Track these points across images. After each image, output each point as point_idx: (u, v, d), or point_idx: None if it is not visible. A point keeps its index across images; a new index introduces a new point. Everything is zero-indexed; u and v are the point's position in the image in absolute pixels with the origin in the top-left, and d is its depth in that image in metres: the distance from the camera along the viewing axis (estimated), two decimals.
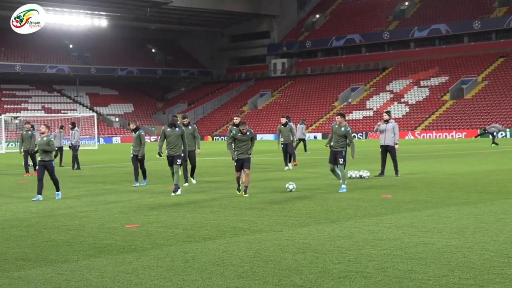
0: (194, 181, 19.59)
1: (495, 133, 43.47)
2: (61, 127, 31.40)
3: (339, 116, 16.92)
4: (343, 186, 16.49)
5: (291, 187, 16.53)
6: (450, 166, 24.67)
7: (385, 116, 20.79)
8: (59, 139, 30.14)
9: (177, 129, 16.83)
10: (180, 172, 18.21)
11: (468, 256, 8.41)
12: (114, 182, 21.00)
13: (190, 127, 19.21)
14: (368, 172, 20.39)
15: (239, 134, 16.02)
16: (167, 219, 12.34)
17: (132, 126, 19.37)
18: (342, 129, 16.61)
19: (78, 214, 13.37)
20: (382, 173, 20.59)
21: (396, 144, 20.62)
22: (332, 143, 16.86)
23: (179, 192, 16.65)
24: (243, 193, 15.90)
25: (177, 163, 16.82)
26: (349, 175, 20.37)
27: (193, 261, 8.49)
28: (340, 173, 16.66)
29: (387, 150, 20.67)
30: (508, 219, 11.32)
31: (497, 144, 42.19)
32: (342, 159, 16.56)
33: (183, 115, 19.81)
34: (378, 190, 16.69)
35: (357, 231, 10.46)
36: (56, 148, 30.14)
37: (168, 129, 16.87)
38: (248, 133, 16.05)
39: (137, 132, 19.30)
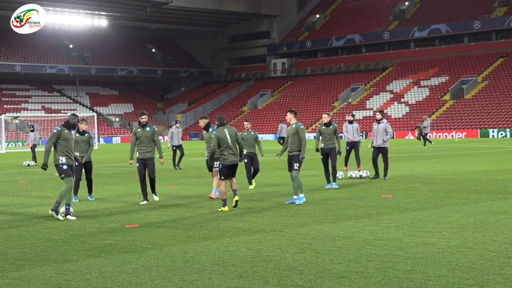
0: (156, 198, 15.51)
1: (425, 130, 42.07)
2: (177, 122, 27.27)
3: (289, 113, 14.68)
4: (302, 195, 14.50)
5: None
6: (450, 166, 24.65)
7: (378, 116, 19.95)
8: (176, 136, 26.63)
9: (72, 131, 13.18)
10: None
11: (468, 256, 8.41)
12: (114, 182, 20.98)
13: (148, 129, 15.04)
14: (368, 172, 20.38)
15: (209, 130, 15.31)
16: (167, 219, 12.34)
17: (83, 126, 15.78)
18: (294, 126, 14.54)
19: (78, 214, 13.36)
20: (377, 174, 20.11)
21: (386, 141, 19.76)
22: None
23: (57, 215, 12.81)
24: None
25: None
26: (349, 175, 20.37)
27: (193, 261, 8.49)
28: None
29: (379, 151, 20.03)
30: (508, 219, 11.32)
31: (430, 142, 41.39)
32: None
33: (141, 112, 15.60)
34: (378, 190, 16.69)
35: (357, 231, 10.46)
36: (175, 148, 26.73)
37: (66, 131, 12.98)
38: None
39: (85, 135, 15.82)
